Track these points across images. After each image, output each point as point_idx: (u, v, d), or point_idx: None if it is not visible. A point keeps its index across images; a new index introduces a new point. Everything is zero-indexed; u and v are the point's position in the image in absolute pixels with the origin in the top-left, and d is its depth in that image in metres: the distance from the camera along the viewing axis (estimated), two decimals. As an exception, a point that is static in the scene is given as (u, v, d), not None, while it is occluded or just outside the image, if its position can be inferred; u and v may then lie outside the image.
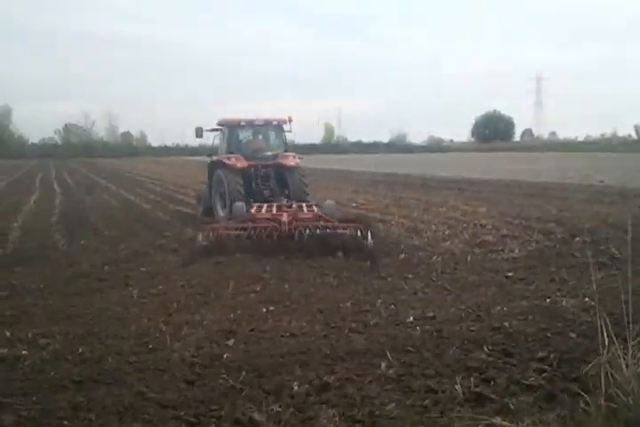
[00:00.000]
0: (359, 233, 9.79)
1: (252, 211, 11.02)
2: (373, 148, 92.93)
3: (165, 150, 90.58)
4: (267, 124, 13.75)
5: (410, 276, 8.04)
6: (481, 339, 5.23)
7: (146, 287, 7.75)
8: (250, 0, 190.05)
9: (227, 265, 9.05)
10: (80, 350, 5.18)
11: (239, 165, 12.66)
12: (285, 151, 13.53)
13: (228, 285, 7.73)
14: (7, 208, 17.56)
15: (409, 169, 35.42)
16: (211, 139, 14.63)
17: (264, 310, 6.57)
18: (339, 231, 9.92)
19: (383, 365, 4.69)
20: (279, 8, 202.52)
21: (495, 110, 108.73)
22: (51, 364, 4.81)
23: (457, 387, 4.18)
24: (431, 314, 6.13)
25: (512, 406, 3.83)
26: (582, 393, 3.71)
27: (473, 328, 5.57)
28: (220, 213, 13.09)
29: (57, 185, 28.54)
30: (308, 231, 9.80)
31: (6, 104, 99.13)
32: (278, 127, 13.88)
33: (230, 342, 5.41)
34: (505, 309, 6.02)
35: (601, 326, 3.81)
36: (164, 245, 11.09)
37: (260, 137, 14.03)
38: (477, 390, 4.13)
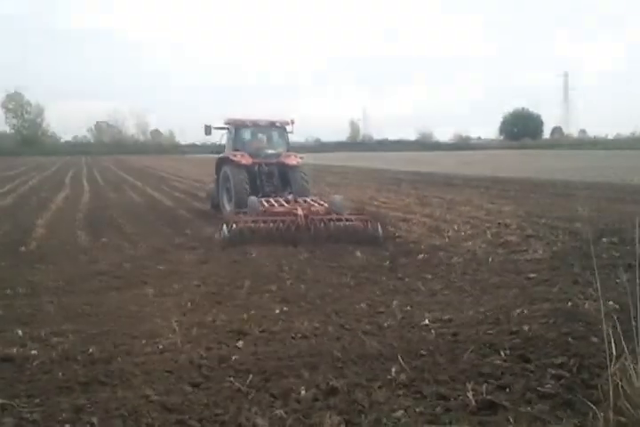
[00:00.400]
0: (369, 225, 10.57)
1: (266, 205, 11.59)
2: (399, 145, 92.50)
3: (193, 148, 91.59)
4: (270, 125, 14.55)
5: (428, 276, 7.88)
6: (498, 343, 5.05)
7: (161, 286, 7.73)
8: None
9: (244, 264, 9.03)
10: (90, 349, 5.14)
11: (244, 161, 13.31)
12: (287, 151, 14.30)
13: (243, 284, 7.69)
14: (35, 205, 17.80)
15: (434, 167, 35.02)
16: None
17: (277, 310, 6.48)
18: (349, 223, 10.69)
19: (394, 369, 4.56)
20: (303, 8, 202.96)
21: (524, 108, 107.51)
22: (59, 364, 4.77)
23: (469, 394, 4.03)
24: (448, 317, 5.96)
25: (526, 415, 3.67)
26: (591, 405, 3.52)
27: (490, 332, 5.38)
28: (227, 207, 13.72)
29: (86, 182, 28.95)
30: (322, 224, 10.55)
31: (38, 103, 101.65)
32: (281, 128, 14.67)
33: (240, 344, 5.32)
34: (525, 312, 5.81)
35: (611, 334, 3.62)
36: (183, 242, 11.12)
37: (264, 137, 14.66)
38: (490, 397, 3.98)
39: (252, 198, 11.97)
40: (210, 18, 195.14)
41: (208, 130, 14.71)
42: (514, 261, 8.53)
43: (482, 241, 10.07)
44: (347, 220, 10.85)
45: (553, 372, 4.31)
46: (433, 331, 5.52)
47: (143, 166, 47.92)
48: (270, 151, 14.21)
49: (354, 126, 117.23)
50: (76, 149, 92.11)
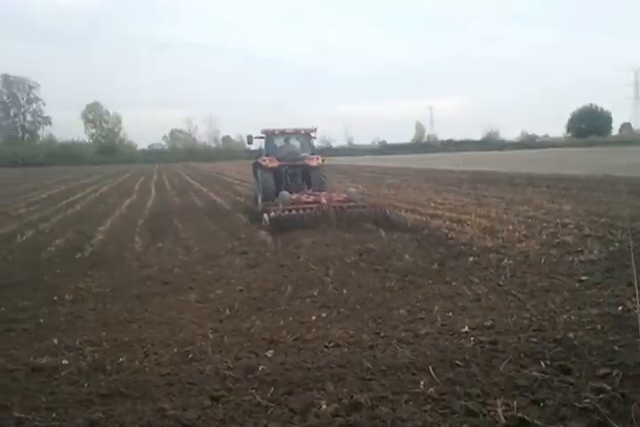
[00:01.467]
0: (378, 211, 13.15)
1: (294, 197, 13.90)
2: (465, 145, 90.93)
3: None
4: (296, 132, 16.83)
5: (475, 280, 7.49)
6: (539, 352, 4.70)
7: (205, 291, 7.76)
8: (336, 3, 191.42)
9: (291, 268, 8.98)
10: (121, 359, 5.17)
11: (271, 164, 15.70)
12: (312, 154, 16.35)
13: (286, 289, 7.59)
14: (100, 212, 18.49)
15: (497, 166, 34.00)
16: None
17: (315, 317, 6.34)
18: (363, 209, 13.19)
19: (424, 381, 4.31)
20: (365, 11, 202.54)
21: (592, 104, 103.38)
22: (86, 375, 4.80)
23: (499, 410, 3.73)
24: (489, 323, 5.62)
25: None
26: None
27: (532, 340, 5.03)
28: (259, 201, 15.82)
29: (154, 189, 29.84)
30: (342, 210, 12.82)
31: (116, 112, 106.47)
32: (306, 135, 16.89)
33: (269, 353, 5.21)
34: (572, 317, 5.40)
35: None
36: (235, 247, 11.16)
37: (291, 143, 16.97)
38: (520, 414, 3.66)
39: (284, 192, 14.33)
40: (278, 23, 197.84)
41: (250, 139, 17.04)
42: (567, 263, 8.01)
43: (536, 242, 9.53)
44: (362, 206, 13.34)
45: (593, 384, 3.95)
46: (472, 339, 5.22)
47: (211, 172, 49.04)
48: (296, 155, 16.33)
49: (419, 127, 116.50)
50: (151, 156, 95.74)
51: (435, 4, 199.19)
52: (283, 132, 16.75)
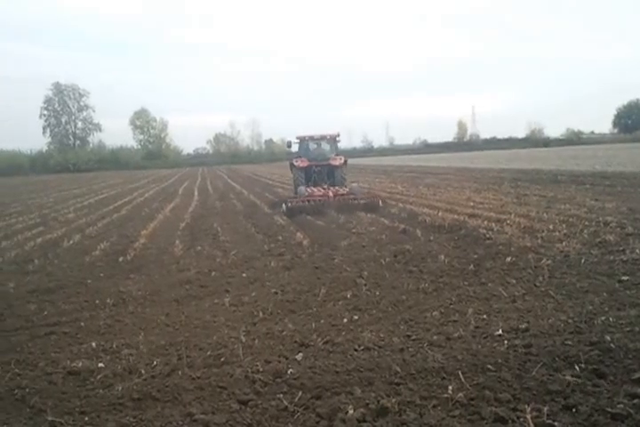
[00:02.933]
0: (372, 202, 16.80)
1: (309, 191, 17.70)
2: (508, 143, 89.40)
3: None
4: (322, 138, 20.33)
5: (512, 281, 7.33)
6: (574, 356, 4.57)
7: (240, 294, 7.83)
8: (380, 3, 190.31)
9: (325, 270, 8.98)
10: (155, 362, 5.27)
11: (302, 164, 19.35)
12: (336, 155, 19.70)
13: (319, 291, 7.59)
14: (144, 216, 18.90)
15: (540, 164, 33.19)
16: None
17: (346, 319, 6.32)
18: (361, 201, 16.73)
19: (453, 386, 4.24)
20: (409, 10, 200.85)
21: (638, 100, 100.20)
22: (121, 378, 4.92)
23: (528, 416, 3.64)
24: (524, 325, 5.49)
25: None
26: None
27: (568, 342, 4.90)
28: (296, 193, 19.03)
29: (197, 192, 30.30)
30: (344, 201, 16.63)
31: (162, 118, 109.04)
32: (332, 139, 20.36)
33: (299, 357, 5.22)
34: (610, 319, 5.23)
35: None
36: (272, 249, 11.23)
37: (319, 146, 20.36)
38: (550, 421, 3.57)
39: (301, 188, 18.29)
40: (320, 26, 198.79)
41: (289, 144, 20.57)
42: (608, 263, 7.75)
43: (577, 241, 9.26)
44: (361, 199, 16.88)
45: (628, 389, 3.81)
46: (505, 342, 5.12)
47: (252, 174, 49.55)
48: (322, 156, 19.81)
49: (461, 126, 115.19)
50: (196, 160, 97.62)
51: (479, 1, 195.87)
52: (312, 138, 20.24)
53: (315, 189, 17.98)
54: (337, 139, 20.56)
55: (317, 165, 19.51)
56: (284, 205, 17.02)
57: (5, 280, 9.40)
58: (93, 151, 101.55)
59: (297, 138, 20.27)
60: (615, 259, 7.91)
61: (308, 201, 16.57)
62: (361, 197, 16.99)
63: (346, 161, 19.70)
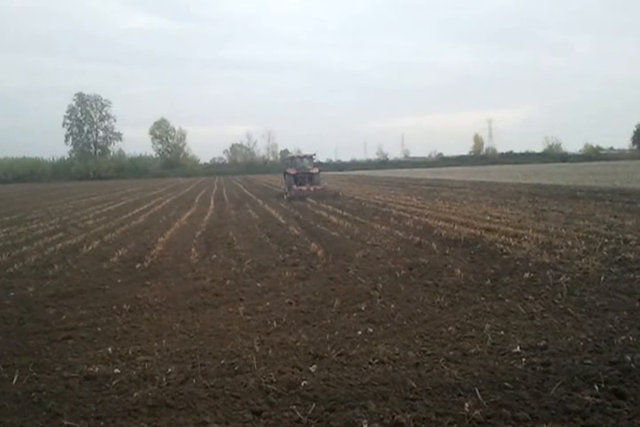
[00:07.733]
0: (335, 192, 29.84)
1: (298, 188, 29.85)
2: (525, 158, 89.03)
3: (319, 166, 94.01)
4: (305, 156, 33.79)
5: (530, 297, 7.25)
6: (593, 375, 4.50)
7: (254, 304, 7.83)
8: (402, 17, 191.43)
9: (340, 281, 8.95)
10: (170, 369, 5.27)
11: (292, 172, 31.40)
12: (314, 166, 32.44)
13: (334, 303, 7.56)
14: (162, 224, 19.02)
15: (558, 179, 32.97)
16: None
17: (361, 332, 6.28)
18: (328, 193, 29.57)
19: (470, 403, 4.19)
20: (430, 23, 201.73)
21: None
22: (136, 384, 4.93)
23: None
24: (543, 343, 5.43)
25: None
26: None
27: (587, 362, 4.82)
28: (286, 191, 31.21)
29: (213, 201, 30.52)
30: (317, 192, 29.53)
31: (181, 128, 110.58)
32: (310, 157, 33.55)
33: (313, 368, 5.19)
34: (631, 338, 5.15)
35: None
36: (287, 259, 11.24)
37: (302, 161, 32.92)
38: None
39: (294, 186, 30.06)
40: (337, 39, 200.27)
41: (285, 160, 38.81)
42: (628, 281, 7.65)
43: (596, 258, 9.16)
44: (328, 191, 29.70)
45: (649, 411, 3.73)
46: (523, 360, 5.06)
47: (268, 184, 49.75)
48: (305, 167, 32.00)
49: (477, 140, 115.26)
50: (212, 169, 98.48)
51: (496, 16, 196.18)
52: (298, 156, 34.15)
53: (302, 187, 29.92)
54: (313, 157, 34.06)
55: (302, 172, 31.45)
56: (285, 195, 29.96)
57: (25, 284, 9.49)
58: (113, 159, 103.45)
59: (289, 156, 37.54)
60: (635, 277, 7.81)
61: (297, 193, 29.17)
62: (328, 191, 29.82)
63: (320, 170, 32.49)
